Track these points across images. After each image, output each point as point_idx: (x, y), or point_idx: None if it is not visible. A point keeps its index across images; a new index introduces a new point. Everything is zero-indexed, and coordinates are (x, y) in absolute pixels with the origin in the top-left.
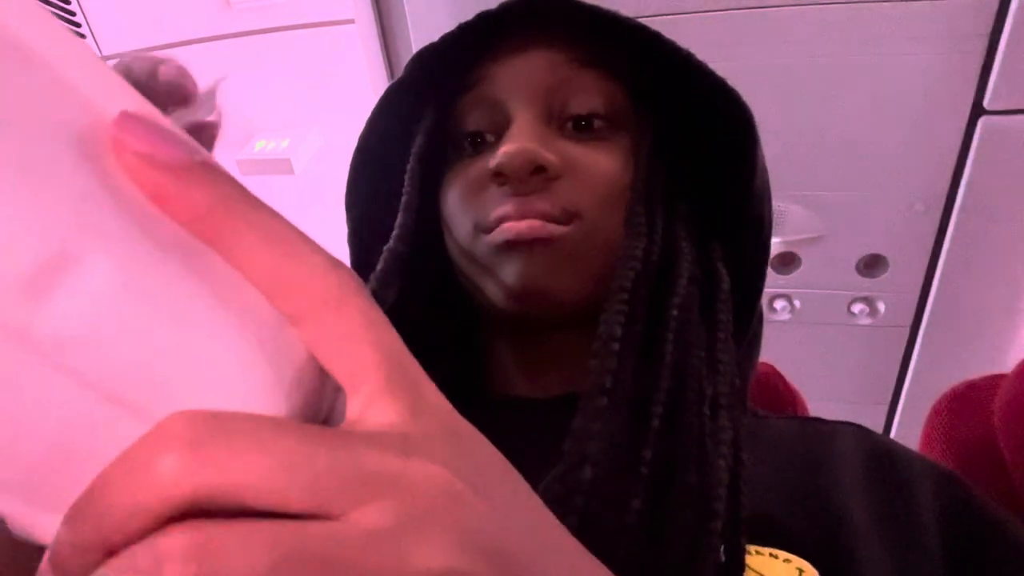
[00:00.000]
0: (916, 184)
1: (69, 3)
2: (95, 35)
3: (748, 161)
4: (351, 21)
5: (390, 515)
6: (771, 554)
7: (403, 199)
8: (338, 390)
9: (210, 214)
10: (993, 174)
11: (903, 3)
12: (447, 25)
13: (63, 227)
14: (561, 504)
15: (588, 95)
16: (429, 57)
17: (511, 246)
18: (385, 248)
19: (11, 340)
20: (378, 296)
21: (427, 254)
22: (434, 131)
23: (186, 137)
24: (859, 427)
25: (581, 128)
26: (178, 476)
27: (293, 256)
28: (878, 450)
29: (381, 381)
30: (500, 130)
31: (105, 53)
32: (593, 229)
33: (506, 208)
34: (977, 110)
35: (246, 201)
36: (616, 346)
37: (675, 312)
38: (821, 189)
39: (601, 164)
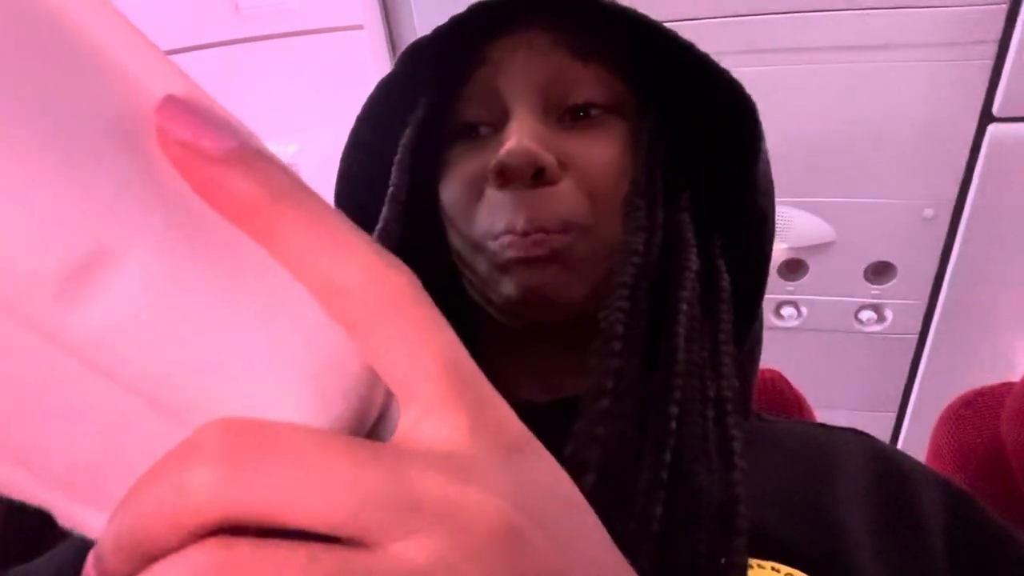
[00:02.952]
0: (925, 191)
1: None
2: None
3: (751, 153)
4: (360, 27)
5: (435, 552)
6: (772, 568)
7: (390, 191)
8: (391, 395)
9: (257, 209)
10: (1002, 181)
11: (912, 10)
12: None
13: (101, 223)
14: None
15: (586, 85)
16: (423, 50)
17: (514, 262)
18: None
19: (46, 341)
20: None
21: (421, 245)
22: (427, 122)
23: (234, 121)
24: (862, 434)
25: (579, 117)
26: (211, 494)
27: (346, 257)
28: (881, 460)
29: (439, 392)
30: (497, 122)
31: None
32: (595, 231)
33: (508, 220)
34: (986, 117)
35: (297, 194)
36: (618, 345)
37: (684, 307)
38: (829, 196)
39: (600, 156)
